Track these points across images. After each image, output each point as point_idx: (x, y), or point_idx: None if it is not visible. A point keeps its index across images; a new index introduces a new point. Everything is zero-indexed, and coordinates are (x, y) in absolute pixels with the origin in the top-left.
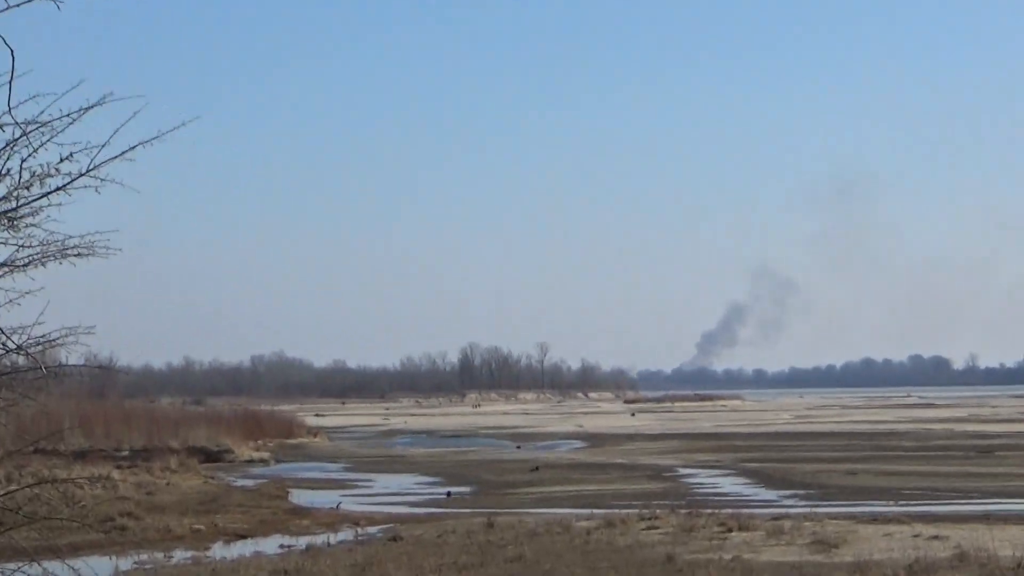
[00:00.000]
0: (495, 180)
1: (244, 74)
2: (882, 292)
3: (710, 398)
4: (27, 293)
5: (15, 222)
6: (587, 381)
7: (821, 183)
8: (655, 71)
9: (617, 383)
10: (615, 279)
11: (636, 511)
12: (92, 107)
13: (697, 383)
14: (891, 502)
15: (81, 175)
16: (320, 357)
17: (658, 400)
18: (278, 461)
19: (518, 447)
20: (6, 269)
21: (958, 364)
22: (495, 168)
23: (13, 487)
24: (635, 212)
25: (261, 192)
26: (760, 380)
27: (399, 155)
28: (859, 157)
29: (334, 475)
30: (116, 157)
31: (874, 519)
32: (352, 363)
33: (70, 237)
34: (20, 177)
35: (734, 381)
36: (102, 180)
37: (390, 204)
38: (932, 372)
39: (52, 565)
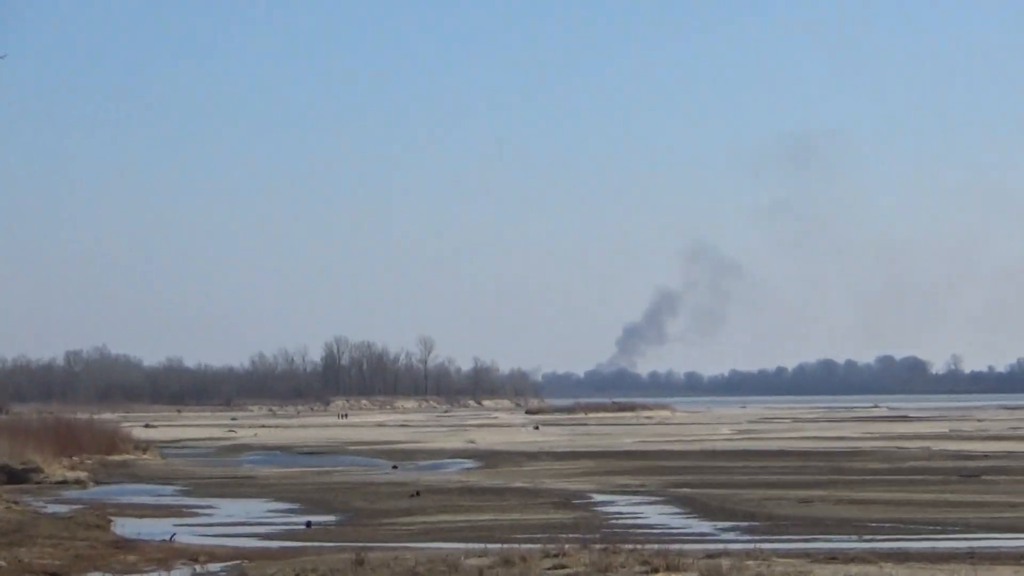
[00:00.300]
0: (372, 151)
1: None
2: (845, 279)
3: (632, 407)
4: None
5: None
6: (480, 386)
7: (773, 147)
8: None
9: (517, 388)
10: (516, 261)
11: (539, 546)
12: None
13: (616, 388)
14: (854, 537)
15: None
16: (151, 354)
17: (568, 410)
18: (98, 483)
19: (395, 467)
20: None
21: (937, 367)
22: (374, 139)
23: None
24: (540, 182)
25: (88, 164)
26: (694, 386)
27: (260, 132)
28: (820, 116)
29: (167, 500)
30: None
31: (833, 557)
32: (190, 362)
33: None
34: None
35: (662, 387)
36: None
37: (241, 179)
38: (906, 377)
39: None
